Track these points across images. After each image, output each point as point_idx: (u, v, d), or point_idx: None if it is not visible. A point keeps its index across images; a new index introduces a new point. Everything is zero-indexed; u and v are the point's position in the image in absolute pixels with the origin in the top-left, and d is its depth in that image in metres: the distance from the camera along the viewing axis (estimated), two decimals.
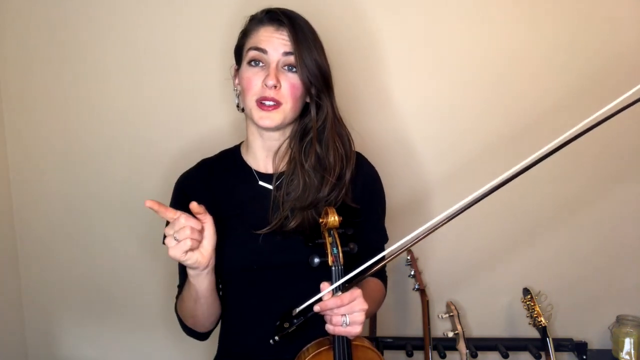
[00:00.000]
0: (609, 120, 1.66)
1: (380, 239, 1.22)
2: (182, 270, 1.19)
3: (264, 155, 1.16)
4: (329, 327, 0.97)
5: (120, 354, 1.74)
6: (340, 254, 0.98)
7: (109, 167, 1.65)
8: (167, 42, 1.60)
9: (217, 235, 1.07)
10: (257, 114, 1.06)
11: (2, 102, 1.63)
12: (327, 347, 1.02)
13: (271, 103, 1.05)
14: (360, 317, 0.96)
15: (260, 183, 1.14)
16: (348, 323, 0.95)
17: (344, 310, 0.95)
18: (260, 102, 1.05)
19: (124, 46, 1.60)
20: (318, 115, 1.10)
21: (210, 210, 1.10)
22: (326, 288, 0.96)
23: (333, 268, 0.98)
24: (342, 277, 0.97)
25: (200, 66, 1.60)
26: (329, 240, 0.99)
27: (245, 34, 1.11)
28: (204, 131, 1.62)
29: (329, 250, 0.98)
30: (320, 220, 1.02)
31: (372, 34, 1.60)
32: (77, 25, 1.59)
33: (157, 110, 1.63)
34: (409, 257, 1.59)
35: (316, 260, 0.98)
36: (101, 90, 1.62)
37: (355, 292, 0.96)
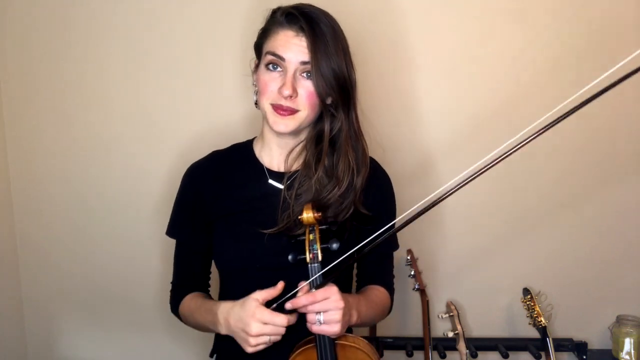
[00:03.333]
0: (608, 120, 1.67)
1: (390, 246, 1.21)
2: (179, 268, 1.20)
3: (277, 154, 1.13)
4: (308, 325, 0.97)
5: (120, 354, 1.74)
6: (319, 251, 0.97)
7: (110, 167, 1.65)
8: (174, 32, 1.59)
9: (221, 231, 1.06)
10: (272, 118, 1.03)
11: (2, 102, 1.63)
12: (312, 345, 1.01)
13: (287, 109, 1.02)
14: (335, 315, 0.95)
15: (270, 181, 1.12)
16: (322, 321, 0.95)
17: (317, 308, 0.95)
18: (276, 108, 1.03)
19: (128, 39, 1.59)
20: (331, 126, 1.07)
21: (217, 203, 1.09)
22: (303, 286, 0.96)
23: (310, 265, 0.97)
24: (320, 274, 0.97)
25: (206, 60, 1.60)
26: (309, 237, 0.99)
27: (264, 33, 1.06)
28: (212, 127, 1.61)
29: (307, 247, 0.98)
30: (299, 217, 1.01)
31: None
32: (80, 17, 1.58)
33: (160, 109, 1.62)
34: (409, 257, 1.59)
35: (291, 257, 0.98)
36: (103, 89, 1.62)
37: (331, 289, 0.95)
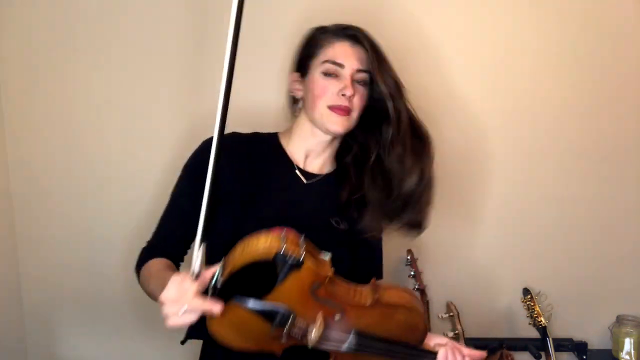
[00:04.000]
0: (608, 120, 1.66)
1: (374, 272, 1.19)
2: (159, 228, 1.18)
3: (305, 152, 1.17)
4: None
5: (120, 354, 1.74)
6: None
7: (110, 166, 1.65)
8: (172, 32, 1.59)
9: (233, 210, 1.07)
10: (331, 118, 1.10)
11: (2, 102, 1.63)
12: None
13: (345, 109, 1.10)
14: None
15: (297, 172, 1.15)
16: None
17: None
18: (334, 108, 1.09)
19: (127, 38, 1.59)
20: (397, 120, 1.12)
21: (234, 182, 1.10)
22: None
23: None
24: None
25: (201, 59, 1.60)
26: None
27: (315, 45, 1.14)
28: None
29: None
30: None
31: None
32: (79, 17, 1.58)
33: (160, 108, 1.62)
34: (409, 257, 1.58)
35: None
36: (102, 88, 1.61)
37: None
